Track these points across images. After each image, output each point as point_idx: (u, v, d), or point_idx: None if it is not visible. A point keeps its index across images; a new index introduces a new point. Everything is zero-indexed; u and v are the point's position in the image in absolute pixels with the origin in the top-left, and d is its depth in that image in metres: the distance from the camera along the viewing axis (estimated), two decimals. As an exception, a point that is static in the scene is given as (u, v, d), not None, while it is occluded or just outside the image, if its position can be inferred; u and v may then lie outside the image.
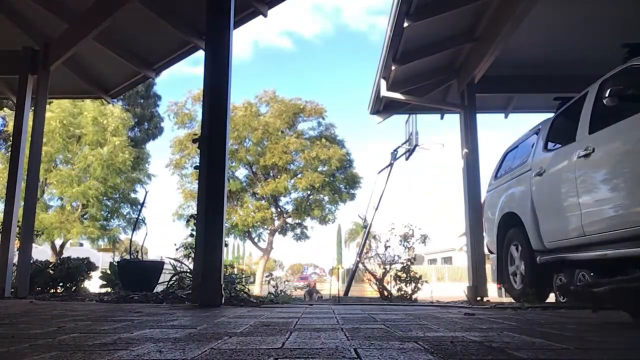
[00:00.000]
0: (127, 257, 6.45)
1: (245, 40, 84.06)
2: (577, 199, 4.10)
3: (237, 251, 51.62)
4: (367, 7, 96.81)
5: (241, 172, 24.17)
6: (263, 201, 23.66)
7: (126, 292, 5.12)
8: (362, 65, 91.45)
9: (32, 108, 5.94)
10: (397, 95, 7.08)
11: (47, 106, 6.47)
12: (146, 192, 8.90)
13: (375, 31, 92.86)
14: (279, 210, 24.32)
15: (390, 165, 10.26)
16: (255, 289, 21.18)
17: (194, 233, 4.01)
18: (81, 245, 24.67)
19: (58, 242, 20.24)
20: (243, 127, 22.41)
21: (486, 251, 6.29)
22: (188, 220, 6.41)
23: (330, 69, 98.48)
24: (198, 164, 3.96)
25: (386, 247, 6.86)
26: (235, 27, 4.39)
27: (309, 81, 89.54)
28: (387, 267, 6.70)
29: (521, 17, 5.28)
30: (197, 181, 6.34)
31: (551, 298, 5.67)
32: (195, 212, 3.92)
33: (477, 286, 6.25)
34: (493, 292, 6.40)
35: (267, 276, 23.93)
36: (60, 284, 6.80)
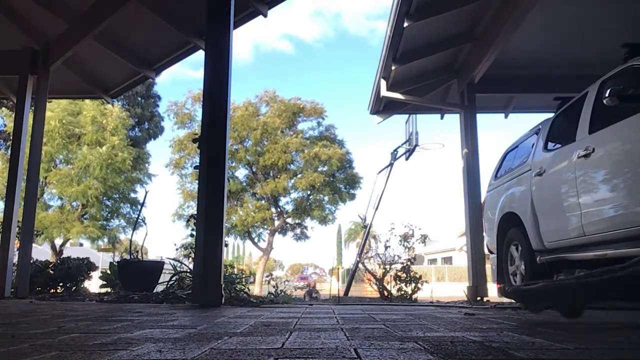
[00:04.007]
0: (127, 257, 6.45)
1: (247, 43, 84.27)
2: (577, 199, 4.10)
3: (237, 251, 51.66)
4: (366, 12, 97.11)
5: (241, 172, 24.19)
6: (263, 201, 23.65)
7: (126, 292, 5.13)
8: (362, 68, 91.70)
9: (32, 108, 5.95)
10: (397, 95, 7.08)
11: (47, 105, 6.47)
12: (146, 192, 8.90)
13: (375, 35, 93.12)
14: (278, 210, 24.32)
15: (390, 165, 10.27)
16: (255, 289, 21.17)
17: (194, 233, 4.01)
18: (81, 245, 24.68)
19: (58, 242, 20.24)
20: (242, 127, 22.42)
21: (486, 251, 6.29)
22: (188, 220, 6.42)
23: (330, 72, 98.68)
24: (198, 164, 3.96)
25: (386, 247, 6.87)
26: (235, 27, 4.39)
27: (310, 83, 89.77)
28: (387, 267, 6.71)
29: (521, 17, 5.27)
30: (197, 181, 6.34)
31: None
32: (195, 212, 3.92)
33: (477, 286, 6.25)
34: (493, 292, 6.40)
35: (267, 276, 23.94)
36: (60, 284, 6.81)
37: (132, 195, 20.29)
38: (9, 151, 6.50)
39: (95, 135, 18.43)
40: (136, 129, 22.14)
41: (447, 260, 34.22)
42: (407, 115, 9.51)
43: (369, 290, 8.13)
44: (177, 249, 6.67)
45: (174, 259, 5.88)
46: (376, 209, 9.72)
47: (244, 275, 8.11)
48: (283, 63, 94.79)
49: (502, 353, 1.27)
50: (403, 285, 6.40)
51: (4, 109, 16.56)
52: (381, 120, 8.08)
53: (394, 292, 6.40)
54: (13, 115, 8.57)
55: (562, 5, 5.65)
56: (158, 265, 6.15)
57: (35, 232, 6.73)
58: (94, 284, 9.59)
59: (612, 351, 1.43)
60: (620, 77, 3.92)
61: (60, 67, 6.06)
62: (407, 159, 10.07)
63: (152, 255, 10.08)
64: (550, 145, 4.93)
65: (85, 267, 7.10)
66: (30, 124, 5.89)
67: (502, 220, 5.50)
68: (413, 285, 6.38)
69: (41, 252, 17.42)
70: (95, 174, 18.05)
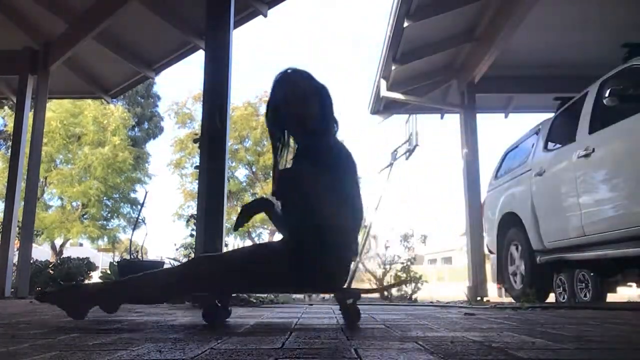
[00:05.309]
0: (127, 257, 6.44)
1: (247, 44, 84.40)
2: (577, 199, 4.10)
3: (237, 251, 51.59)
4: (366, 15, 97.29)
5: (241, 172, 24.15)
6: (263, 201, 23.62)
7: (126, 292, 5.11)
8: (362, 68, 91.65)
9: (32, 108, 5.95)
10: (397, 95, 7.08)
11: (48, 106, 6.47)
12: (146, 192, 8.91)
13: (375, 36, 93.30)
14: (279, 210, 24.29)
15: (390, 165, 10.26)
16: (255, 289, 21.14)
17: (194, 233, 4.01)
18: (81, 245, 24.68)
19: (58, 242, 20.26)
20: (242, 126, 22.40)
21: (486, 251, 6.29)
22: (188, 220, 6.42)
23: (330, 72, 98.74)
24: (198, 164, 3.96)
25: (386, 247, 6.87)
26: (235, 27, 4.39)
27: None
28: (387, 267, 6.71)
29: (521, 17, 5.28)
30: (197, 181, 6.34)
31: (551, 298, 5.68)
32: (195, 212, 3.92)
33: (477, 286, 6.25)
34: (493, 292, 6.40)
35: (267, 276, 23.89)
36: (61, 284, 6.80)
37: (132, 195, 20.31)
38: (9, 151, 6.51)
39: (96, 136, 18.45)
40: (136, 129, 22.15)
41: (447, 260, 34.17)
42: (407, 115, 9.51)
43: (369, 290, 8.11)
44: (177, 249, 6.66)
45: (174, 259, 5.87)
46: (376, 209, 9.71)
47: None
48: (282, 64, 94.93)
49: (502, 353, 1.27)
50: (403, 285, 6.40)
51: (5, 108, 16.57)
52: (381, 120, 8.09)
53: (394, 292, 6.41)
54: (13, 115, 8.56)
55: (562, 5, 5.65)
56: (158, 265, 6.12)
57: (35, 232, 6.74)
58: (94, 284, 9.57)
59: (613, 351, 1.43)
60: (620, 77, 3.92)
61: (60, 67, 6.06)
62: (407, 158, 10.07)
63: (152, 255, 10.05)
64: (550, 145, 4.94)
65: (85, 267, 7.11)
66: (30, 124, 5.90)
67: (502, 220, 5.51)
68: (413, 285, 6.38)
69: (41, 252, 17.42)
70: (96, 174, 18.07)
